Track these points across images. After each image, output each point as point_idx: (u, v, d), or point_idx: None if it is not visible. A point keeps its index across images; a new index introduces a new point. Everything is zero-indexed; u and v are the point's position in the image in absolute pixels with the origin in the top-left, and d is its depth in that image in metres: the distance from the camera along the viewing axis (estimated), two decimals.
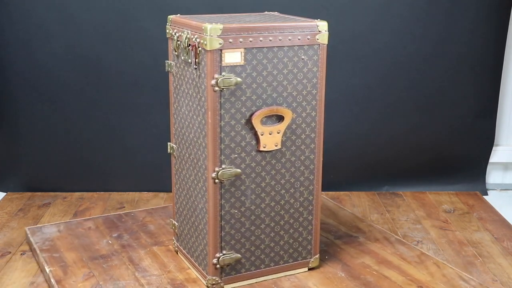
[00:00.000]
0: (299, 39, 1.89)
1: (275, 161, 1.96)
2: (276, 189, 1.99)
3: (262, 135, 1.90)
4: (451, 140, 2.98)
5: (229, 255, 1.98)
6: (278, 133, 1.92)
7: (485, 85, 2.93)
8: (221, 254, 1.97)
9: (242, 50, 1.83)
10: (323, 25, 1.91)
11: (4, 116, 2.89)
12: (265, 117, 1.90)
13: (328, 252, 2.24)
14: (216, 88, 1.82)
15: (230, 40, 1.80)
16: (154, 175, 2.94)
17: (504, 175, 3.14)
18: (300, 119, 1.95)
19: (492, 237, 2.53)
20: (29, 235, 2.38)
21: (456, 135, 2.98)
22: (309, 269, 2.11)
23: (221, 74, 1.82)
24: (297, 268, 2.10)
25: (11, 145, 2.92)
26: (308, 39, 1.90)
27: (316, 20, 1.92)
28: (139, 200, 2.86)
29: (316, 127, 1.98)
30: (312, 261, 2.11)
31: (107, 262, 2.19)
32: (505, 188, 3.12)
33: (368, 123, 2.92)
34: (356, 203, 2.85)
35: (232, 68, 1.83)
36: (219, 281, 2.00)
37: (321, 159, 2.02)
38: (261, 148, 1.91)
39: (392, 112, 2.92)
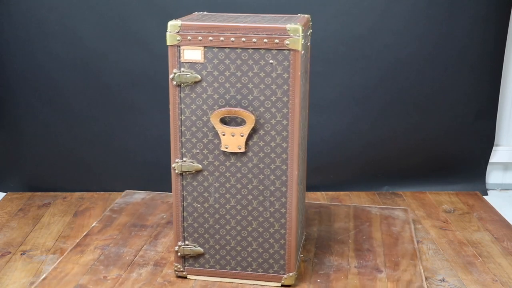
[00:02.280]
0: (265, 42, 1.81)
1: (240, 164, 1.93)
2: (243, 193, 1.96)
3: (223, 135, 1.90)
4: (451, 140, 2.98)
5: (190, 247, 2.03)
6: (242, 136, 1.89)
7: (485, 85, 2.93)
8: (182, 244, 2.03)
9: (202, 48, 1.84)
10: (294, 29, 1.79)
11: (4, 116, 2.89)
12: (229, 117, 1.89)
13: (329, 277, 2.11)
14: (174, 83, 1.88)
15: (189, 38, 1.84)
16: (154, 175, 2.94)
17: (504, 175, 3.14)
18: (269, 125, 1.88)
19: (492, 237, 2.53)
20: (120, 196, 2.75)
21: (456, 135, 2.98)
22: (282, 285, 2.04)
23: (180, 70, 1.87)
24: (269, 281, 2.03)
25: (11, 145, 2.92)
26: (276, 43, 1.81)
27: (287, 23, 1.82)
28: None
29: (288, 137, 1.88)
30: (286, 278, 2.02)
31: (138, 232, 2.40)
32: (505, 188, 3.12)
33: (368, 123, 2.92)
34: (356, 203, 2.85)
35: (192, 65, 1.87)
36: (182, 269, 2.06)
37: (296, 172, 1.92)
38: (223, 148, 1.91)
39: (392, 112, 2.92)
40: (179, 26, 1.85)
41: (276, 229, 1.97)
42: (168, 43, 1.86)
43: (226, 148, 1.91)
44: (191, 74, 1.87)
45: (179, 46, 1.86)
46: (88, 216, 2.69)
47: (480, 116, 2.96)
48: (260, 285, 2.03)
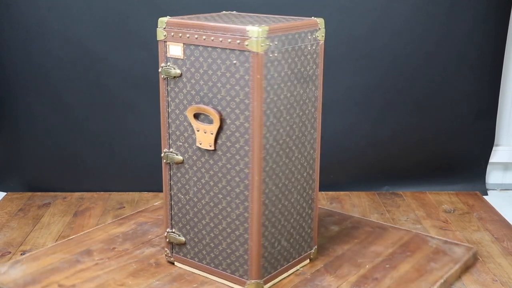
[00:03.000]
0: (229, 42, 1.81)
1: (212, 162, 1.94)
2: (214, 191, 1.96)
3: (198, 131, 1.93)
4: (451, 140, 2.98)
5: (174, 235, 2.09)
6: (212, 134, 1.90)
7: (485, 85, 2.93)
8: (170, 230, 2.12)
9: (182, 44, 1.91)
10: (253, 31, 1.77)
11: (4, 116, 2.89)
12: (203, 114, 1.91)
13: None
14: (162, 76, 1.97)
15: (172, 34, 1.92)
16: (154, 175, 2.93)
17: (504, 175, 3.14)
18: (234, 127, 1.87)
19: (492, 237, 2.53)
20: None
21: (456, 135, 2.98)
22: None
23: (166, 64, 1.96)
24: (234, 283, 2.00)
25: (11, 145, 2.92)
26: (237, 43, 1.79)
27: (250, 25, 1.80)
28: (139, 200, 2.86)
29: (250, 140, 1.85)
30: (248, 284, 1.95)
31: None
32: (505, 188, 3.12)
33: (368, 123, 2.92)
34: (356, 203, 2.85)
35: (175, 60, 1.95)
36: (170, 255, 2.14)
37: (257, 178, 1.85)
38: (197, 144, 1.94)
39: (392, 112, 2.92)
40: (165, 22, 1.94)
41: (241, 233, 1.94)
42: (157, 38, 1.96)
43: (200, 144, 1.94)
44: (173, 69, 1.95)
45: (165, 41, 1.95)
46: (88, 216, 2.69)
47: (480, 116, 2.96)
48: (228, 285, 2.02)
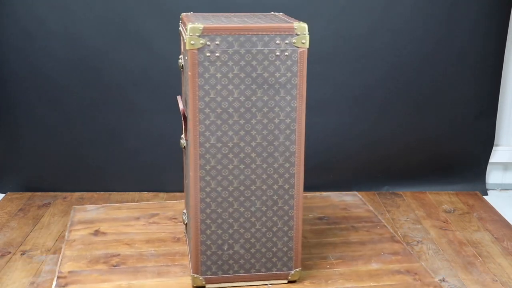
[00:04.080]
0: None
1: (187, 154, 1.98)
2: (187, 180, 2.05)
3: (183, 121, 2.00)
4: (451, 140, 2.98)
5: (184, 215, 2.21)
6: (183, 125, 1.98)
7: (485, 85, 2.93)
8: (184, 211, 2.23)
9: (182, 38, 2.00)
10: (187, 28, 1.75)
11: (4, 116, 2.89)
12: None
13: None
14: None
15: (180, 29, 2.06)
16: (154, 175, 2.94)
17: (504, 175, 3.14)
18: (188, 121, 1.88)
19: (492, 237, 2.53)
20: None
21: (456, 135, 2.98)
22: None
23: (181, 56, 2.10)
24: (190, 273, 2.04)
25: (11, 145, 2.92)
26: (183, 40, 1.83)
27: (191, 22, 1.78)
28: (139, 200, 2.86)
29: (190, 139, 1.85)
30: (195, 278, 1.96)
31: None
32: (505, 188, 3.12)
33: (368, 123, 2.92)
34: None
35: (183, 53, 2.04)
36: (184, 233, 2.30)
37: (191, 173, 1.85)
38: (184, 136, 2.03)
39: (392, 112, 2.92)
40: (180, 19, 2.08)
41: (191, 225, 1.97)
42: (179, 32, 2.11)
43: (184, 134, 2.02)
44: (180, 61, 2.07)
45: (180, 35, 2.09)
46: None
47: (480, 116, 2.96)
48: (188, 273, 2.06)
